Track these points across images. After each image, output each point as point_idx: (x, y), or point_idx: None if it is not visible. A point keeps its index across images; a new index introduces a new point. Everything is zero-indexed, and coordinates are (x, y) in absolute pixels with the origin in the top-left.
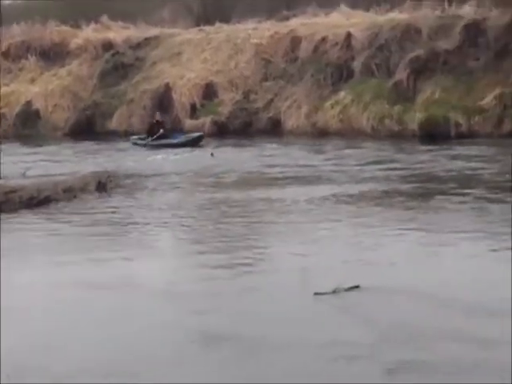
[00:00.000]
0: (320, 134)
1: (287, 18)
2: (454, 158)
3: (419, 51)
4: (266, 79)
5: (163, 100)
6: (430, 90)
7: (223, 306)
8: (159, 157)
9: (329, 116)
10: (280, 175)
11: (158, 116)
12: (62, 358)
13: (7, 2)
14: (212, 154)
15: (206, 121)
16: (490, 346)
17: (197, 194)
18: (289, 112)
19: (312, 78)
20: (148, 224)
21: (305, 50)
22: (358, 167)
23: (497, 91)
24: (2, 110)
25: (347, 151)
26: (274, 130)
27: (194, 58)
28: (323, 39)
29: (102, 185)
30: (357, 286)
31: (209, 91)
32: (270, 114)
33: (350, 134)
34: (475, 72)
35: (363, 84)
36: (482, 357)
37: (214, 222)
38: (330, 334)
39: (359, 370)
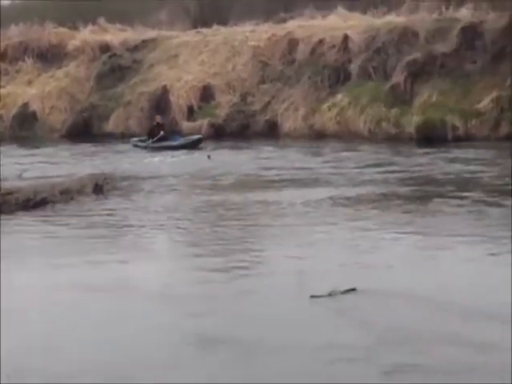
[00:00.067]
0: (317, 137)
1: (284, 21)
2: (452, 160)
3: (416, 54)
4: (263, 81)
5: (160, 102)
6: (427, 93)
7: (219, 308)
8: (156, 159)
9: (326, 118)
10: (277, 178)
11: (158, 118)
12: (60, 359)
13: (5, 2)
14: (209, 157)
15: (203, 123)
16: (487, 350)
17: (193, 197)
18: (286, 114)
19: (309, 80)
20: (144, 226)
21: (302, 52)
22: (356, 170)
23: (494, 94)
24: None
25: (344, 154)
26: (271, 132)
27: (192, 60)
28: (320, 42)
29: (99, 187)
30: (353, 289)
31: (206, 93)
32: (267, 117)
33: (346, 137)
34: (472, 75)
35: (360, 87)
36: (479, 360)
37: (210, 225)
38: (325, 337)
39: (355, 373)
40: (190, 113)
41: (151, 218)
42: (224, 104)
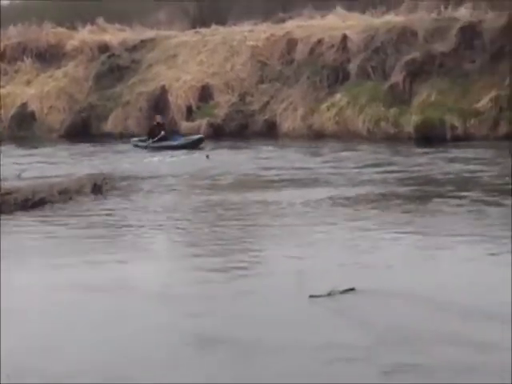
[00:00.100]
0: (316, 137)
1: (283, 21)
2: (451, 160)
3: (415, 54)
4: (261, 81)
5: (159, 102)
6: (425, 93)
7: (218, 308)
8: (155, 159)
9: (325, 118)
10: (276, 178)
11: (158, 118)
12: (59, 359)
13: (4, 2)
14: (207, 156)
15: (201, 123)
16: (486, 350)
17: (192, 197)
18: (285, 114)
19: (308, 80)
20: (143, 226)
21: (301, 52)
22: (355, 170)
23: (492, 94)
24: None
25: (343, 154)
26: (270, 132)
27: (190, 60)
28: (319, 41)
29: (98, 187)
30: (352, 289)
31: (205, 93)
32: (266, 117)
33: (345, 137)
34: (471, 74)
35: (359, 86)
36: (479, 360)
37: (209, 225)
38: (324, 337)
39: (354, 373)
40: (189, 113)
41: (150, 218)
42: (223, 104)
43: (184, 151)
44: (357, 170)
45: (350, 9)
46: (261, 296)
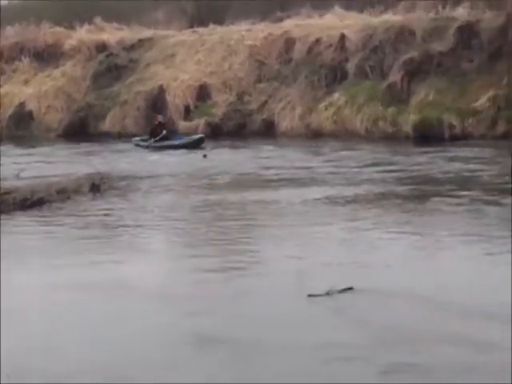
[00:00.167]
0: (314, 136)
1: (281, 20)
2: (451, 159)
3: (413, 53)
4: (259, 81)
5: (157, 102)
6: (423, 92)
7: (217, 308)
8: (154, 158)
9: (323, 118)
10: (275, 177)
11: (160, 118)
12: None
13: (2, 2)
14: (205, 156)
15: (199, 122)
16: (486, 350)
17: (191, 196)
18: (283, 113)
19: (306, 79)
20: (141, 226)
21: (299, 51)
22: (354, 169)
23: (490, 93)
24: None
25: (342, 153)
26: (268, 131)
27: (188, 59)
28: (317, 41)
29: (96, 186)
30: (350, 288)
31: (202, 93)
32: (264, 116)
33: (343, 136)
34: (469, 74)
35: (357, 86)
36: (479, 360)
37: (207, 225)
38: (323, 336)
39: (353, 373)
40: (187, 112)
41: (148, 218)
42: (221, 103)
43: (182, 151)
44: (355, 170)
45: (347, 8)
46: (260, 295)
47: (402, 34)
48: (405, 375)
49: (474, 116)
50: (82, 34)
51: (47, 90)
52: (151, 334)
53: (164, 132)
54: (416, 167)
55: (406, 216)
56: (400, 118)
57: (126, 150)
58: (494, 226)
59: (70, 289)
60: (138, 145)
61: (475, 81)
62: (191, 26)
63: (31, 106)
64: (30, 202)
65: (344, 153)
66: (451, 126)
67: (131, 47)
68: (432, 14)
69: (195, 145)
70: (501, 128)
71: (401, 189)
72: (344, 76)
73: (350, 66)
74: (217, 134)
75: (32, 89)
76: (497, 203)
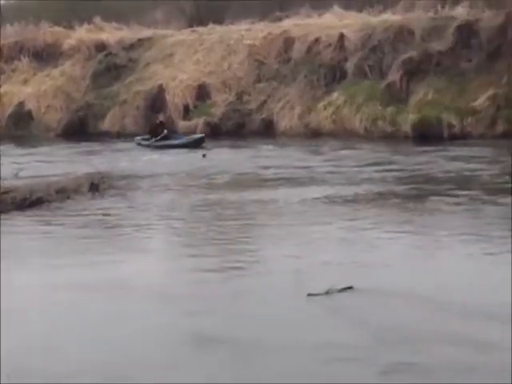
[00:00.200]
0: (313, 135)
1: (280, 19)
2: (450, 159)
3: (412, 52)
4: (259, 80)
5: (156, 101)
6: (422, 92)
7: (217, 308)
8: (152, 158)
9: (322, 117)
10: (274, 176)
11: (161, 117)
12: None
13: (1, 2)
14: (204, 156)
15: (198, 122)
16: (486, 350)
17: (190, 196)
18: (282, 113)
19: (305, 79)
20: (140, 226)
21: (298, 51)
22: (353, 169)
23: (489, 92)
24: None
25: (341, 152)
26: (267, 131)
27: (187, 59)
28: (316, 40)
29: (95, 186)
30: (350, 287)
31: (202, 92)
32: (263, 115)
33: (342, 135)
34: (468, 73)
35: (356, 85)
36: (479, 360)
37: (207, 224)
38: (322, 336)
39: (352, 373)
40: (186, 112)
41: (147, 217)
42: (220, 103)
43: (181, 150)
44: (355, 169)
45: (346, 7)
46: (259, 295)
47: (401, 34)
48: (404, 375)
49: (473, 115)
50: (82, 34)
51: (46, 90)
52: (151, 334)
53: (165, 131)
54: (415, 167)
55: (406, 215)
56: (399, 118)
57: (126, 149)
58: (493, 225)
59: (70, 288)
60: (139, 144)
61: (474, 80)
62: (190, 26)
63: (30, 105)
64: (29, 201)
65: (343, 152)
66: (450, 126)
67: (130, 47)
68: (431, 14)
69: (196, 144)
70: (500, 127)
71: (400, 188)
72: (343, 75)
73: (349, 66)
74: (216, 133)
75: (31, 88)
76: (496, 203)
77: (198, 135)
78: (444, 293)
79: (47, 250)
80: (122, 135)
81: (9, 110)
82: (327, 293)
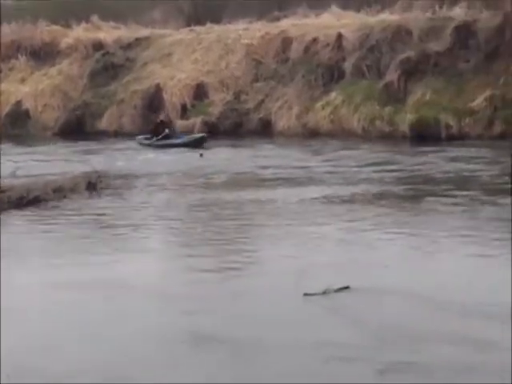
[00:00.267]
0: (311, 135)
1: (278, 19)
2: (448, 159)
3: (410, 53)
4: (256, 80)
5: (154, 100)
6: (420, 92)
7: (215, 308)
8: (150, 157)
9: (320, 117)
10: (272, 176)
11: (162, 116)
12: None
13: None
14: (201, 155)
15: (196, 121)
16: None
17: (187, 195)
18: (280, 113)
19: (303, 78)
20: (137, 225)
21: (296, 50)
22: (351, 169)
23: (487, 93)
24: None
25: (339, 152)
26: (265, 130)
27: (185, 58)
28: (314, 40)
29: (92, 185)
30: (346, 287)
31: (199, 91)
32: (261, 115)
33: (340, 135)
34: (466, 74)
35: (354, 85)
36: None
37: (204, 224)
38: (319, 335)
39: (350, 372)
40: (184, 111)
41: (144, 217)
42: (217, 102)
43: (179, 149)
44: (354, 169)
45: (344, 7)
46: (256, 295)
47: (399, 34)
48: (403, 375)
49: (471, 116)
50: (79, 33)
51: (44, 89)
52: (150, 333)
53: (166, 131)
54: (414, 167)
55: (404, 216)
56: (397, 118)
57: (124, 148)
58: (493, 226)
59: (68, 288)
60: (141, 143)
61: (472, 81)
62: (188, 25)
63: (28, 104)
64: (26, 200)
65: (341, 152)
66: (448, 126)
67: (128, 46)
68: (429, 14)
69: (197, 143)
70: (497, 128)
71: (399, 188)
72: (341, 75)
73: (347, 66)
74: (213, 132)
75: (28, 87)
76: (496, 203)
77: (200, 134)
78: (443, 292)
79: (45, 250)
80: (119, 134)
81: (6, 109)
82: (324, 293)
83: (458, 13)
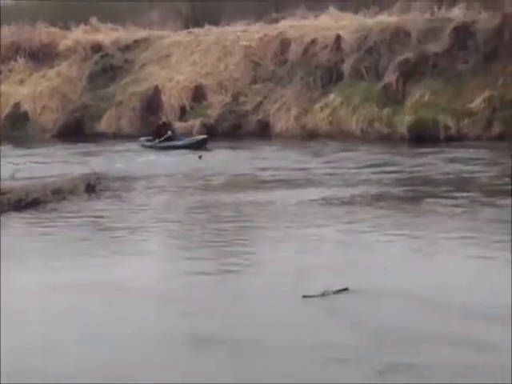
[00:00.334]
0: (309, 137)
1: (276, 21)
2: (448, 161)
3: (408, 54)
4: (255, 82)
5: (152, 102)
6: (419, 93)
7: (214, 310)
8: (149, 159)
9: (318, 118)
10: (270, 178)
11: (164, 118)
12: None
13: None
14: (200, 157)
15: (195, 123)
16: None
17: (186, 197)
18: (278, 114)
19: (301, 80)
20: (136, 228)
21: (294, 52)
22: (351, 170)
23: (486, 94)
24: None
25: (338, 154)
26: (263, 132)
27: (183, 60)
28: (312, 42)
29: (91, 187)
30: (345, 289)
31: (198, 93)
32: (259, 117)
33: (339, 137)
34: (464, 75)
35: (352, 87)
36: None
37: (203, 227)
38: (318, 337)
39: (348, 374)
40: (182, 113)
41: (143, 219)
42: (216, 104)
43: (178, 151)
44: (353, 171)
45: (342, 9)
46: (255, 297)
47: (397, 35)
48: (403, 376)
49: (470, 117)
50: (78, 35)
51: (42, 91)
52: (148, 335)
53: (169, 133)
54: (414, 168)
55: (404, 217)
56: (395, 119)
57: (122, 150)
58: (493, 227)
59: (67, 290)
60: (143, 145)
61: (470, 82)
62: (186, 27)
63: (26, 106)
64: (25, 202)
65: (340, 154)
66: (446, 127)
67: (126, 48)
68: (427, 15)
69: (199, 145)
70: (496, 129)
71: (398, 190)
72: (339, 77)
73: (346, 67)
74: (212, 134)
75: (27, 89)
76: (495, 205)
77: (201, 136)
78: (443, 294)
79: (44, 252)
80: (118, 136)
81: (5, 111)
82: (323, 295)
83: (457, 14)
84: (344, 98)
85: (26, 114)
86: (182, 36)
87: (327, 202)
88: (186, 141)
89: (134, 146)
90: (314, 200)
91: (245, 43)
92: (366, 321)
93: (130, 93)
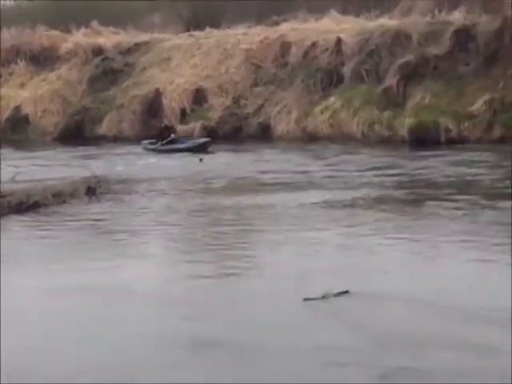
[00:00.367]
0: (310, 140)
1: (277, 24)
2: (450, 163)
3: (409, 57)
4: (255, 84)
5: (153, 105)
6: (419, 96)
7: (214, 313)
8: (150, 162)
9: (319, 121)
10: (271, 181)
11: (166, 121)
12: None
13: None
14: (201, 160)
15: (195, 126)
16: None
17: (187, 200)
18: (279, 117)
19: (302, 83)
20: (137, 231)
21: (295, 55)
22: (352, 173)
23: (486, 96)
24: None
25: (339, 157)
26: (264, 135)
27: (184, 63)
28: (313, 44)
29: (92, 190)
30: (346, 292)
31: (199, 96)
32: (260, 119)
33: (339, 140)
34: (465, 77)
35: (353, 89)
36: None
37: (203, 230)
38: (318, 340)
39: (349, 376)
40: (183, 116)
41: (144, 222)
42: (217, 107)
43: (178, 154)
44: (354, 174)
45: (344, 12)
46: (256, 300)
47: (398, 38)
48: (404, 379)
49: (470, 120)
50: (79, 38)
51: (43, 94)
52: (149, 338)
53: (172, 135)
54: (414, 171)
55: (405, 220)
56: (396, 122)
57: (123, 153)
58: (493, 230)
59: (67, 294)
60: (146, 148)
61: (471, 84)
62: (187, 30)
63: (27, 109)
64: (26, 205)
65: (341, 157)
66: (447, 130)
67: (127, 51)
68: (428, 18)
69: (201, 148)
70: (497, 132)
71: (400, 193)
72: (340, 80)
73: (346, 70)
74: (213, 137)
75: (28, 92)
76: (495, 208)
77: (204, 139)
78: (444, 297)
79: (44, 255)
80: (118, 139)
81: (6, 114)
82: (324, 297)
83: (457, 17)
84: (345, 100)
85: (26, 117)
86: (183, 39)
87: (328, 204)
88: (189, 143)
89: (135, 148)
90: (315, 203)
91: (245, 46)
92: (367, 324)
93: (131, 96)
